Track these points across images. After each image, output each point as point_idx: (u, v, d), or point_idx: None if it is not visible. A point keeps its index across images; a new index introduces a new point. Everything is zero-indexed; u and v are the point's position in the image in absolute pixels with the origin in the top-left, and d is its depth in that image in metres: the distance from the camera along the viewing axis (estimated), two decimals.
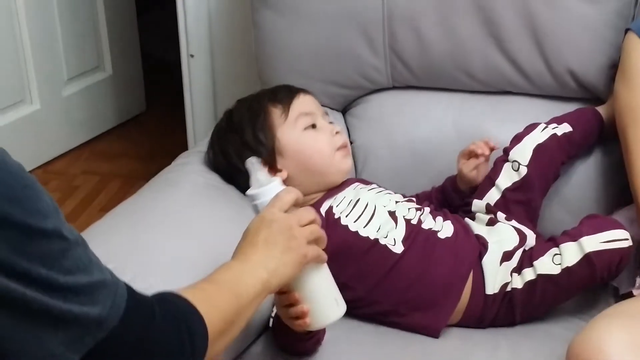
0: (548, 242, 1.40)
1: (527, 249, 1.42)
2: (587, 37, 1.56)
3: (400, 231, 1.39)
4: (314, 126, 1.45)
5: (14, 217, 0.77)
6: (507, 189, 1.50)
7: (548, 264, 1.35)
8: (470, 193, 1.53)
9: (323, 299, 1.17)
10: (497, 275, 1.38)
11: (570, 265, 1.33)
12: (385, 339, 1.37)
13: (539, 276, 1.36)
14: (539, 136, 1.51)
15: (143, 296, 0.90)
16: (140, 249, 1.28)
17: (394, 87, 1.70)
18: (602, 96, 1.59)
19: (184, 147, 2.34)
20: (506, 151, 1.52)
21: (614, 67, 1.53)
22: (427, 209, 1.46)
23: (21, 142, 2.69)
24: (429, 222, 1.43)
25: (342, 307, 1.19)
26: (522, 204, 1.50)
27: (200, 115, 2.23)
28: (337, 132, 1.47)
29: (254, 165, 1.16)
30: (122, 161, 2.83)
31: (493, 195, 1.51)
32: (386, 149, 1.66)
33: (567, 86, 1.60)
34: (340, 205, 1.42)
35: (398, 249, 1.37)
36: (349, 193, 1.44)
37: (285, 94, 1.47)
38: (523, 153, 1.50)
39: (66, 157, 2.85)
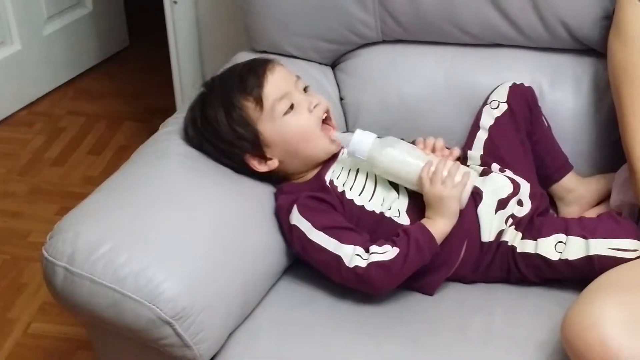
0: (560, 222, 1.40)
1: (521, 198, 1.42)
2: None
3: (403, 201, 1.39)
4: (292, 106, 1.40)
5: None
6: (491, 127, 1.52)
7: (549, 248, 1.36)
8: None
9: None
10: (492, 223, 1.40)
11: (570, 259, 1.34)
12: (380, 303, 1.38)
13: (537, 255, 1.37)
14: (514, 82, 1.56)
15: None
16: (135, 228, 1.27)
17: (384, 42, 1.66)
18: (596, 48, 1.56)
19: (169, 85, 2.31)
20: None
21: (607, 19, 1.50)
22: None
23: (3, 83, 2.66)
24: None
25: None
26: (510, 142, 1.51)
27: (185, 58, 2.19)
28: (315, 105, 1.41)
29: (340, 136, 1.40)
30: (107, 100, 2.80)
31: (481, 137, 1.52)
32: (377, 105, 1.64)
33: (560, 38, 1.57)
34: (341, 176, 1.41)
35: (404, 220, 1.37)
36: (345, 162, 1.42)
37: (254, 80, 1.39)
38: (500, 92, 1.55)
39: (50, 97, 2.82)
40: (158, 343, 1.24)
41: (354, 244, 1.33)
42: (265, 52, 1.69)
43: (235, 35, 1.95)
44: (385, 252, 1.32)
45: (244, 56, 1.67)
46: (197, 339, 1.24)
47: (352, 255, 1.32)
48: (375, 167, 1.39)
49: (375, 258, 1.31)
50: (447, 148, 1.45)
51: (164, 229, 1.28)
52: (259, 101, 1.38)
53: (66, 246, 1.24)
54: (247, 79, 1.40)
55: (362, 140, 1.37)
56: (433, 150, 1.42)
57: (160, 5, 2.12)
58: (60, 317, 1.98)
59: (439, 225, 1.33)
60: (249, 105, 1.39)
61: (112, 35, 2.99)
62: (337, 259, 1.33)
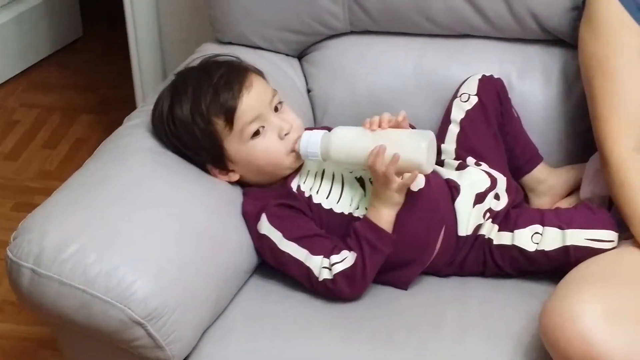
0: (536, 213, 1.40)
1: (498, 192, 1.42)
2: None
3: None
4: (263, 127, 1.35)
5: None
6: (462, 120, 1.51)
7: (526, 239, 1.36)
8: None
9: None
10: (470, 218, 1.40)
11: (546, 249, 1.34)
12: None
13: (514, 246, 1.36)
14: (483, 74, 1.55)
15: None
16: (103, 227, 1.23)
17: (352, 33, 1.64)
18: (564, 38, 1.56)
19: (125, 76, 2.26)
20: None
21: (576, 10, 1.50)
22: None
23: None
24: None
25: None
26: (483, 135, 1.50)
27: (145, 49, 2.14)
28: (286, 133, 1.36)
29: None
30: (62, 92, 2.74)
31: (453, 131, 1.51)
32: (346, 96, 1.62)
33: (529, 29, 1.57)
34: (307, 181, 1.39)
35: None
36: (311, 165, 1.40)
37: (228, 96, 1.33)
38: (470, 85, 1.53)
39: (2, 88, 2.74)
40: (130, 345, 1.21)
41: (324, 253, 1.32)
42: (230, 43, 1.66)
43: (198, 25, 1.92)
44: (345, 259, 1.31)
45: (209, 48, 1.64)
46: (170, 339, 1.21)
47: (320, 268, 1.31)
48: (333, 163, 1.37)
49: (338, 268, 1.31)
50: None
51: (133, 227, 1.25)
52: (230, 121, 1.34)
53: (32, 246, 1.20)
54: (221, 93, 1.34)
55: (310, 142, 1.34)
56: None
57: None
58: (19, 316, 1.93)
59: (384, 215, 1.32)
60: (219, 122, 1.34)
61: (65, 25, 2.92)
62: (308, 270, 1.32)
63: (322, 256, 1.32)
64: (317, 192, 1.38)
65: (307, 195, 1.37)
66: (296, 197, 1.37)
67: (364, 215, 1.33)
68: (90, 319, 1.19)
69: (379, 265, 1.32)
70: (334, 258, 1.31)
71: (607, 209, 1.41)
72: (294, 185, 1.38)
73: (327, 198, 1.37)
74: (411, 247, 1.36)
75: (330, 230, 1.35)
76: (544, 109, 1.58)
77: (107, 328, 1.19)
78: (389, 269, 1.37)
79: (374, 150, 1.29)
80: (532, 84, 1.59)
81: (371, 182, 1.38)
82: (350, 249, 1.31)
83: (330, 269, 1.31)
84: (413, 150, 1.30)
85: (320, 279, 1.31)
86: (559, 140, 1.57)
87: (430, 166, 1.31)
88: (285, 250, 1.33)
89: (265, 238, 1.34)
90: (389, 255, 1.35)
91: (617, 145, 1.34)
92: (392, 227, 1.32)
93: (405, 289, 1.38)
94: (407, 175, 1.29)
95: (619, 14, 1.37)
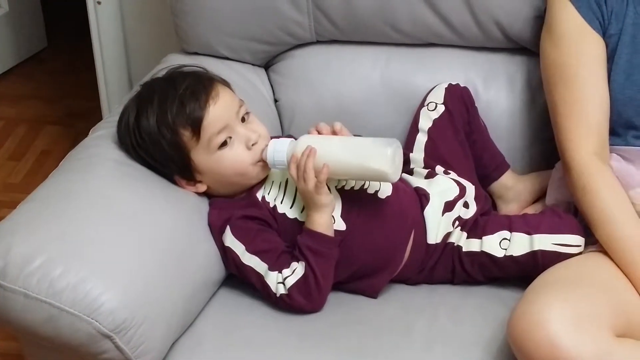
0: (503, 219, 1.41)
1: (467, 200, 1.43)
2: None
3: (337, 206, 1.37)
4: (230, 138, 1.35)
5: None
6: (430, 129, 1.52)
7: (494, 245, 1.37)
8: None
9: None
10: (439, 226, 1.40)
11: (515, 255, 1.35)
12: (324, 307, 1.36)
13: (483, 252, 1.37)
14: (450, 83, 1.56)
15: None
16: (70, 239, 1.22)
17: (318, 42, 1.65)
18: (528, 46, 1.58)
19: (90, 87, 2.25)
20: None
21: (539, 18, 1.52)
22: None
23: None
24: (365, 183, 1.40)
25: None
26: (450, 144, 1.51)
27: (110, 60, 2.13)
28: (254, 144, 1.36)
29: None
30: (27, 104, 2.72)
31: (421, 140, 1.52)
32: (313, 106, 1.63)
33: (493, 37, 1.59)
34: (272, 192, 1.39)
35: (340, 226, 1.35)
36: (276, 175, 1.40)
37: (194, 107, 1.32)
38: (436, 94, 1.54)
39: None
40: (98, 358, 1.20)
41: (279, 269, 1.32)
42: (196, 53, 1.66)
43: (164, 36, 1.91)
44: (295, 271, 1.32)
45: (175, 58, 1.64)
46: (139, 351, 1.20)
47: (276, 284, 1.32)
48: None
49: (290, 282, 1.31)
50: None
51: (100, 239, 1.24)
52: (197, 132, 1.33)
53: None
54: (187, 104, 1.33)
55: (277, 150, 1.34)
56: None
57: (79, 4, 2.06)
58: None
59: (318, 220, 1.32)
60: (185, 134, 1.33)
61: (29, 36, 2.90)
62: (267, 287, 1.33)
63: (277, 272, 1.32)
64: (282, 201, 1.38)
65: (271, 205, 1.37)
66: (261, 207, 1.37)
67: (304, 225, 1.33)
68: (57, 333, 1.17)
69: (331, 270, 1.33)
70: (285, 272, 1.32)
71: (573, 215, 1.42)
72: (259, 196, 1.38)
73: (290, 207, 1.37)
74: (380, 254, 1.37)
75: (295, 240, 1.35)
76: (509, 117, 1.60)
77: (74, 341, 1.18)
78: (358, 277, 1.37)
79: (292, 160, 1.30)
80: (497, 92, 1.60)
81: (337, 190, 1.38)
82: (297, 260, 1.32)
83: (284, 284, 1.31)
84: (378, 157, 1.29)
85: (278, 294, 1.32)
86: (525, 148, 1.59)
87: (396, 174, 1.31)
88: (248, 264, 1.33)
89: (229, 250, 1.35)
90: (358, 264, 1.36)
91: (579, 151, 1.36)
92: (332, 230, 1.33)
93: (375, 297, 1.39)
94: (321, 173, 1.28)
95: (577, 22, 1.39)
